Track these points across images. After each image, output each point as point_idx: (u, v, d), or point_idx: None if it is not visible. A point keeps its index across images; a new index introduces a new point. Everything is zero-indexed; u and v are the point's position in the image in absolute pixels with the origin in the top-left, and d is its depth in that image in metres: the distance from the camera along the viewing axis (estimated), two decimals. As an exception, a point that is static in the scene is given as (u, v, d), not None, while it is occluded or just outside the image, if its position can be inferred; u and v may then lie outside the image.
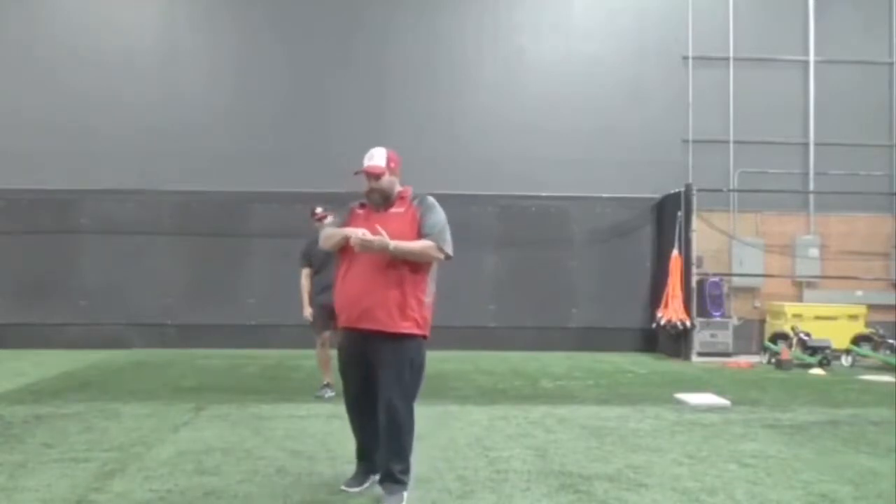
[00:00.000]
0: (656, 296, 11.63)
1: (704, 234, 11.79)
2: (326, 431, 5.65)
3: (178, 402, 6.83)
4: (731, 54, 12.61)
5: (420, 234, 3.94)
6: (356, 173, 4.08)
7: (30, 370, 8.89)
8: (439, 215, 4.01)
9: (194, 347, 11.26)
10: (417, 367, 3.98)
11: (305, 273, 7.34)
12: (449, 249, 3.99)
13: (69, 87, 11.96)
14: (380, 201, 4.05)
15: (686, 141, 12.56)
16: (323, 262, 7.17)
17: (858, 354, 10.55)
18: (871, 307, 11.77)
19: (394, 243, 3.79)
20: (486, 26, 12.61)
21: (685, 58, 12.61)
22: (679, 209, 11.26)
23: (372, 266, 3.89)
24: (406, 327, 3.89)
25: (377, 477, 4.08)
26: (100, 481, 4.24)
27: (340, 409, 6.55)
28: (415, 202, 4.05)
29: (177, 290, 11.65)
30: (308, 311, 7.28)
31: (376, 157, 4.05)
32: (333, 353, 7.19)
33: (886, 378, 9.09)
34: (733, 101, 12.59)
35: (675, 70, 12.59)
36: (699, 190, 11.40)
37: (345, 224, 4.10)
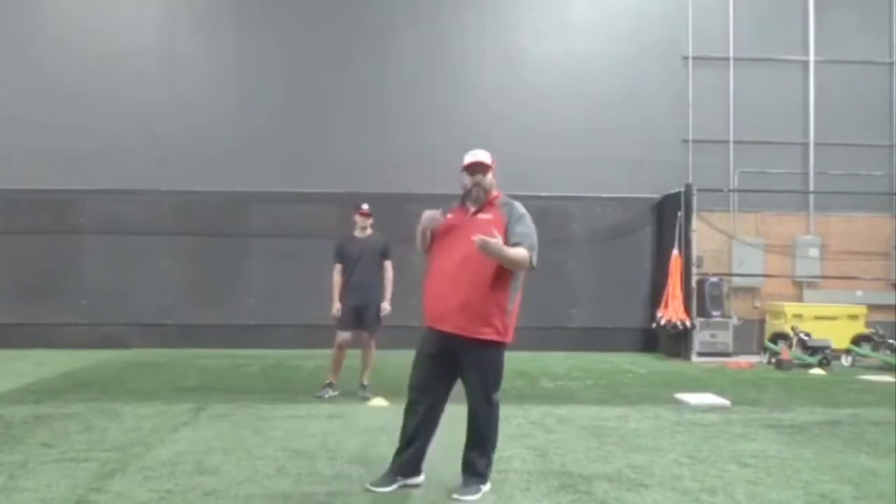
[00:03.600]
0: (656, 296, 11.63)
1: (704, 234, 11.79)
2: (326, 431, 5.65)
3: (178, 402, 6.83)
4: (731, 54, 12.61)
5: (509, 243, 3.97)
6: (464, 168, 4.16)
7: (30, 370, 8.89)
8: (529, 225, 4.08)
9: (194, 347, 11.25)
10: (498, 370, 4.14)
11: (337, 269, 7.31)
12: (535, 260, 4.06)
13: (69, 87, 11.95)
14: (482, 198, 4.13)
15: (686, 141, 12.57)
16: (355, 261, 7.18)
17: (858, 354, 10.55)
18: (871, 307, 11.77)
19: (505, 250, 3.87)
20: (486, 26, 12.61)
21: (685, 58, 12.60)
22: (679, 209, 11.25)
23: (458, 270, 3.99)
24: (487, 333, 4.00)
25: (408, 480, 4.18)
26: (100, 481, 4.24)
27: (340, 408, 6.60)
28: (504, 209, 4.12)
29: (177, 290, 11.65)
30: (336, 308, 7.22)
31: (481, 154, 4.17)
32: (355, 352, 7.31)
33: (886, 378, 9.10)
34: (733, 101, 12.59)
35: (675, 70, 12.59)
36: (699, 190, 11.40)
37: (436, 230, 4.20)
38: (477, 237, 3.80)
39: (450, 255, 4.05)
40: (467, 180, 4.15)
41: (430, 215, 4.15)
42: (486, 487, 4.13)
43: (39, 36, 12.09)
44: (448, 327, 4.01)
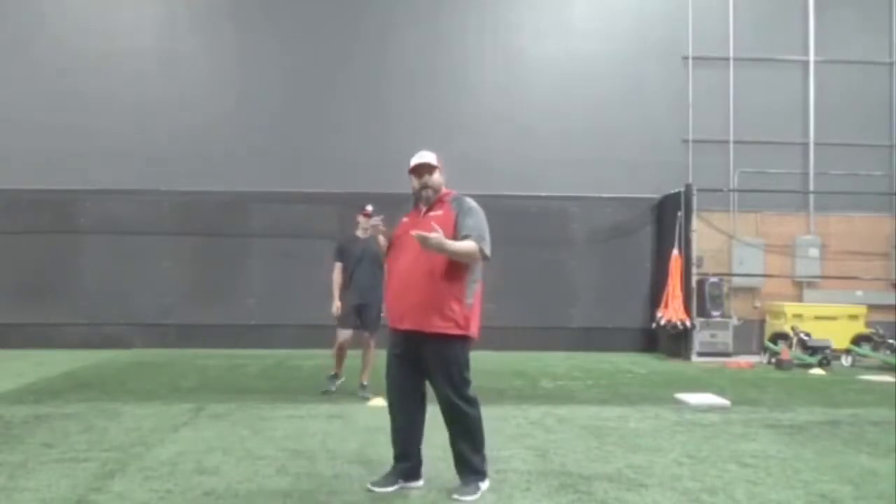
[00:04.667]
0: (656, 296, 11.63)
1: (704, 234, 11.79)
2: (326, 431, 5.66)
3: (178, 402, 6.83)
4: (731, 54, 12.61)
5: (459, 236, 4.03)
6: (410, 170, 4.22)
7: (30, 370, 8.89)
8: (478, 217, 4.14)
9: (194, 347, 11.26)
10: (462, 365, 4.10)
11: (337, 268, 7.39)
12: (488, 251, 4.10)
13: (69, 87, 11.95)
14: (432, 197, 4.19)
15: (686, 141, 12.57)
16: (357, 261, 7.24)
17: (858, 354, 10.55)
18: (871, 307, 11.77)
19: (449, 244, 3.91)
20: (486, 26, 12.61)
21: (685, 58, 12.61)
22: (679, 209, 11.25)
23: (412, 268, 4.05)
24: (444, 327, 4.01)
25: (410, 484, 4.20)
26: (100, 481, 4.25)
27: (340, 408, 6.61)
28: (453, 204, 4.19)
29: (177, 290, 11.65)
30: (336, 306, 7.30)
31: (427, 156, 4.22)
32: (356, 352, 7.41)
33: (886, 378, 9.09)
34: (733, 101, 12.59)
35: (675, 70, 12.59)
36: (699, 190, 11.40)
37: (392, 233, 4.27)
38: (414, 232, 3.88)
39: (405, 255, 4.11)
40: (415, 182, 4.22)
41: (371, 224, 4.26)
42: (486, 485, 4.12)
43: (39, 36, 12.10)
44: (408, 325, 4.05)
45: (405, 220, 4.29)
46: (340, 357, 7.43)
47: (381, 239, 4.33)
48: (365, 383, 7.32)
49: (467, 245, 4.00)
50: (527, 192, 12.04)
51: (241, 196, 11.82)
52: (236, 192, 11.79)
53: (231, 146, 11.98)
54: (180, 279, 11.67)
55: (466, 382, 4.10)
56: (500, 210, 11.83)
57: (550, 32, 12.62)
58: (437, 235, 3.86)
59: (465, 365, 4.11)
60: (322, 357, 9.02)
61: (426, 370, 4.11)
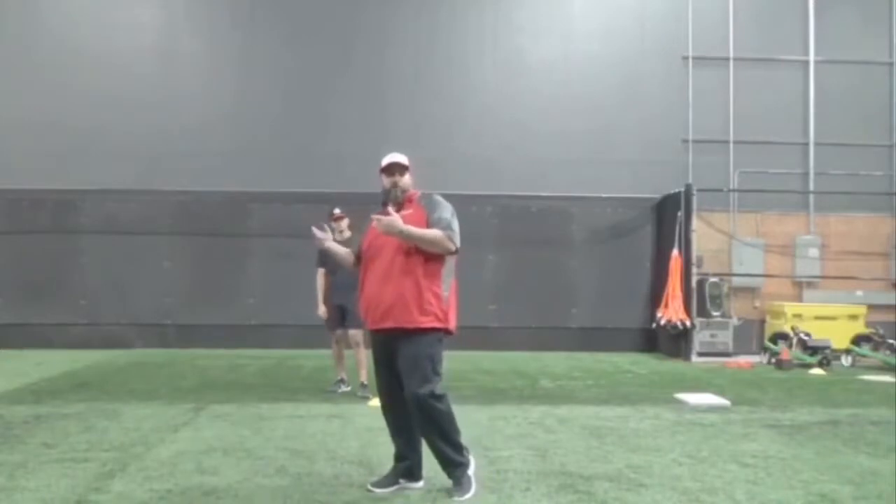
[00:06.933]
0: (656, 296, 11.63)
1: (704, 234, 11.80)
2: (326, 431, 5.66)
3: (178, 402, 6.84)
4: (731, 54, 12.61)
5: (429, 227, 4.07)
6: (382, 169, 4.25)
7: (30, 370, 8.89)
8: (446, 209, 4.17)
9: (194, 347, 11.27)
10: (434, 358, 4.07)
11: (320, 273, 7.53)
12: (456, 240, 4.11)
13: (69, 87, 11.95)
14: (400, 196, 4.21)
15: (686, 141, 12.57)
16: (337, 264, 7.25)
17: (858, 354, 10.55)
18: (871, 307, 11.77)
19: (406, 227, 3.96)
20: (486, 26, 12.61)
21: (685, 58, 12.61)
22: (679, 209, 11.25)
23: (386, 267, 4.06)
24: (426, 322, 4.01)
25: (411, 484, 4.19)
26: (100, 481, 4.24)
27: (340, 408, 6.61)
28: (423, 202, 4.23)
29: (177, 290, 11.65)
30: (321, 310, 7.46)
31: (399, 156, 4.27)
32: (349, 352, 7.51)
33: (886, 378, 9.09)
34: (733, 101, 12.59)
35: (675, 70, 12.59)
36: (699, 190, 11.40)
37: (363, 236, 4.29)
38: (373, 216, 3.99)
39: (380, 257, 4.11)
40: (386, 182, 4.25)
41: (317, 235, 4.37)
42: (472, 470, 4.11)
43: (40, 36, 12.10)
44: (390, 323, 4.03)
45: (374, 223, 4.25)
46: (339, 356, 7.62)
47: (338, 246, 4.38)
48: (365, 383, 7.33)
49: (431, 232, 4.03)
50: (527, 192, 12.03)
51: (241, 196, 11.83)
52: (236, 192, 11.79)
53: (231, 146, 11.98)
54: (180, 279, 11.67)
55: (438, 378, 4.06)
56: (501, 210, 12.05)
57: (550, 32, 12.62)
58: (391, 218, 3.94)
59: (439, 361, 4.10)
60: (322, 357, 9.02)
61: (399, 369, 4.06)
